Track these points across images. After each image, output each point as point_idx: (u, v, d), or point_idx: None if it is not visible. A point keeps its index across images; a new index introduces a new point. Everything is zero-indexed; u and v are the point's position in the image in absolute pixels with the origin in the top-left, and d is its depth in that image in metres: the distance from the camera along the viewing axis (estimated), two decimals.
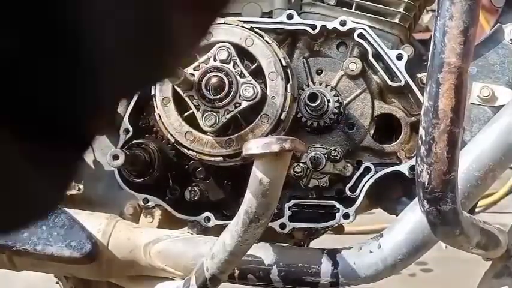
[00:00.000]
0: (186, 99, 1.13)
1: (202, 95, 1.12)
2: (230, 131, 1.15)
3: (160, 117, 1.16)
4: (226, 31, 1.16)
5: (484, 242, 0.99)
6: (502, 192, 3.36)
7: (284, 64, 1.14)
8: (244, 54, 1.16)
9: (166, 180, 1.25)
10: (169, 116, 1.16)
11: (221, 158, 1.15)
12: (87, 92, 0.35)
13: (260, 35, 1.15)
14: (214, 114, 1.11)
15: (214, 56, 1.12)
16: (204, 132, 1.14)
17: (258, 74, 1.15)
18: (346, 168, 1.18)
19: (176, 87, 1.13)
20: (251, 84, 1.11)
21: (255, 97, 1.11)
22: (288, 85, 1.13)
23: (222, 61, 1.12)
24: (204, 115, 1.12)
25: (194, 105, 1.12)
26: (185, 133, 1.15)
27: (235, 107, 1.11)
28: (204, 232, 1.25)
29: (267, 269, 1.12)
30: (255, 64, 1.15)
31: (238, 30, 1.16)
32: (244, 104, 1.11)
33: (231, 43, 1.14)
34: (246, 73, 1.11)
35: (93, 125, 0.38)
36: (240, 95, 1.11)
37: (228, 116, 1.11)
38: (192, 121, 1.14)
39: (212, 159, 1.15)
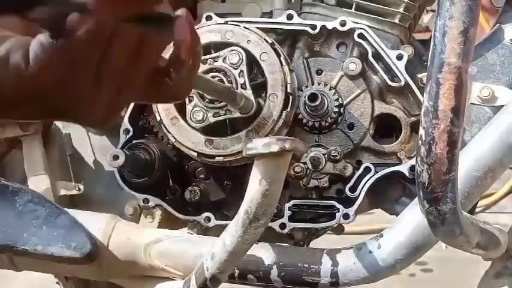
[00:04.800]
0: None
1: None
2: (216, 131, 1.15)
3: None
4: (246, 37, 1.15)
5: (484, 242, 0.99)
6: (502, 192, 3.36)
7: (289, 90, 1.14)
8: (256, 64, 1.15)
9: (166, 180, 1.25)
10: None
11: (195, 154, 1.15)
12: None
13: (278, 53, 1.15)
14: (204, 111, 1.12)
15: (225, 57, 1.12)
16: (190, 124, 1.14)
17: (263, 88, 1.15)
18: (346, 168, 1.18)
19: None
20: (249, 98, 1.10)
21: (248, 112, 1.11)
22: (284, 112, 1.13)
23: (231, 64, 1.12)
24: (194, 109, 1.12)
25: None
26: (172, 117, 1.16)
27: (226, 113, 1.11)
28: (204, 232, 1.25)
29: (267, 269, 1.12)
30: (263, 79, 1.15)
31: (258, 40, 1.15)
32: (235, 114, 1.11)
33: (245, 50, 1.13)
34: (248, 85, 1.11)
35: None
36: None
37: (216, 119, 1.12)
38: (182, 109, 1.15)
39: (187, 151, 1.16)
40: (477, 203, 1.19)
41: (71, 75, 0.64)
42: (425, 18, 2.46)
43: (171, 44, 0.72)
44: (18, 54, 0.63)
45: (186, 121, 1.15)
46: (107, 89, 0.67)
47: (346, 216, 1.17)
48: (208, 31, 1.16)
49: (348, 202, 1.17)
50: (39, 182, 1.33)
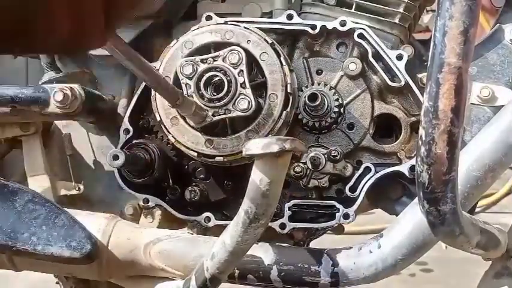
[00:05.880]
0: (183, 85, 1.13)
1: (198, 88, 1.12)
2: (216, 130, 1.16)
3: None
4: (246, 37, 1.15)
5: (484, 242, 0.99)
6: (502, 192, 3.37)
7: (289, 90, 1.14)
8: (256, 64, 1.16)
9: (166, 180, 1.25)
10: None
11: (195, 154, 1.15)
12: None
13: (278, 53, 1.15)
14: (203, 110, 1.11)
15: (225, 56, 1.12)
16: (189, 124, 1.14)
17: (263, 88, 1.15)
18: (346, 168, 1.18)
19: (178, 73, 1.13)
20: (248, 97, 1.10)
21: (247, 111, 1.11)
22: (284, 112, 1.13)
23: (231, 64, 1.12)
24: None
25: (188, 94, 1.12)
26: (172, 117, 1.16)
27: (225, 113, 1.11)
28: (204, 232, 1.25)
29: (267, 269, 1.12)
30: (263, 79, 1.15)
31: (257, 40, 1.15)
32: (235, 113, 1.11)
33: (245, 50, 1.13)
34: (247, 84, 1.11)
35: None
36: (234, 103, 1.11)
37: (215, 118, 1.11)
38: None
39: (187, 151, 1.16)
40: (477, 203, 1.19)
41: None
42: (425, 18, 2.46)
43: None
44: None
45: (186, 121, 1.15)
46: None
47: (346, 216, 1.17)
48: (208, 31, 1.16)
49: (348, 202, 1.17)
50: (39, 182, 1.33)
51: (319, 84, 1.20)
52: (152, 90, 1.17)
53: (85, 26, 0.59)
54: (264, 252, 1.13)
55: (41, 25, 0.55)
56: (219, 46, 1.15)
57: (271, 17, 1.27)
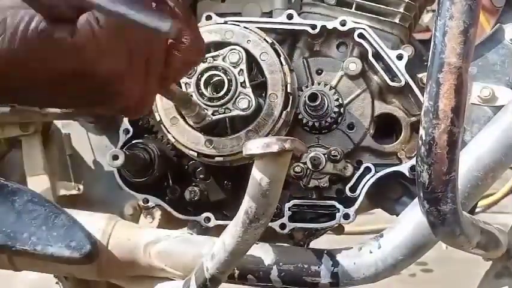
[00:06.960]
0: (182, 84, 1.13)
1: (198, 87, 1.12)
2: (216, 130, 1.16)
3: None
4: (246, 37, 1.15)
5: (484, 242, 0.99)
6: (502, 192, 3.36)
7: (289, 90, 1.14)
8: (256, 64, 1.15)
9: (166, 180, 1.25)
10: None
11: (195, 154, 1.15)
12: None
13: (278, 53, 1.15)
14: (203, 110, 1.11)
15: (225, 56, 1.12)
16: (189, 123, 1.14)
17: (263, 88, 1.15)
18: (346, 168, 1.18)
19: None
20: (248, 96, 1.10)
21: (247, 110, 1.11)
22: (284, 111, 1.13)
23: (231, 63, 1.12)
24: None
25: (187, 93, 1.12)
26: (171, 117, 1.16)
27: (225, 112, 1.11)
28: (204, 232, 1.25)
29: (267, 269, 1.12)
30: (263, 78, 1.15)
31: (257, 40, 1.15)
32: (235, 112, 1.11)
33: (245, 49, 1.13)
34: (247, 84, 1.11)
35: None
36: (234, 102, 1.11)
37: (215, 117, 1.11)
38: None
39: (187, 151, 1.16)
40: (477, 203, 1.19)
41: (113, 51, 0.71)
42: (426, 18, 2.46)
43: None
44: (62, 28, 0.66)
45: (185, 121, 1.15)
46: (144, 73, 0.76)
47: (346, 216, 1.17)
48: (208, 31, 1.16)
49: (348, 202, 1.17)
50: (38, 182, 1.33)
51: (319, 84, 1.20)
52: None
53: (148, 100, 0.80)
54: (264, 252, 1.13)
55: (118, 99, 0.74)
56: (219, 46, 1.15)
57: (271, 17, 1.26)
